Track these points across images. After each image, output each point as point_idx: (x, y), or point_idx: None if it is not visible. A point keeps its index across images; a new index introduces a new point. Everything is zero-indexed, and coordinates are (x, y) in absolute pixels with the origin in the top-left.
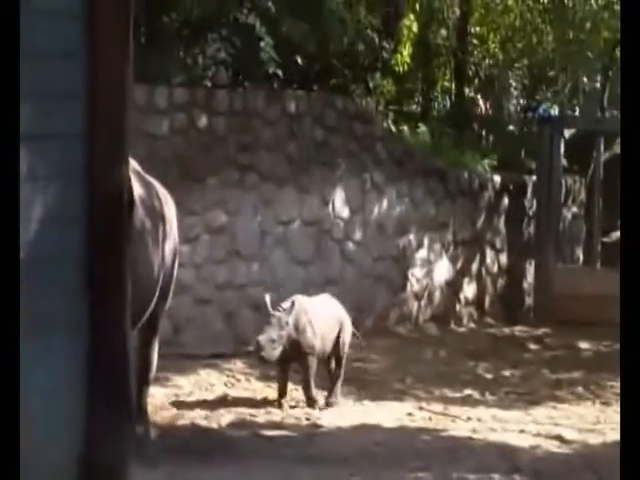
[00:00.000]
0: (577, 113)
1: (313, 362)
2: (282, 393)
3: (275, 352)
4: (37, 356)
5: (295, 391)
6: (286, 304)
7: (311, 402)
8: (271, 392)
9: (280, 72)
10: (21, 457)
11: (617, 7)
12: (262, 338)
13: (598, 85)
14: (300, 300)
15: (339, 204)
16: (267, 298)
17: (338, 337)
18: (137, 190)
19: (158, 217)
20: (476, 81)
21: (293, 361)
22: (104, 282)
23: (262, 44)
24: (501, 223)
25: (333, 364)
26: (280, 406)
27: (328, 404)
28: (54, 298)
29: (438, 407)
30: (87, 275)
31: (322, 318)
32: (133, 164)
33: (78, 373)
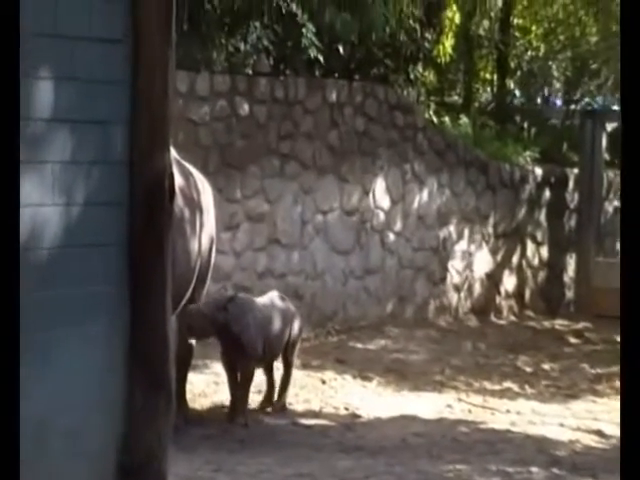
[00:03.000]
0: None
1: (253, 365)
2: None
3: (202, 328)
4: (78, 341)
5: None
6: (229, 293)
7: (242, 410)
8: (310, 381)
9: (321, 58)
10: (60, 444)
11: None
12: (193, 307)
13: None
14: (244, 298)
15: (380, 194)
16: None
17: (287, 340)
18: (176, 178)
19: (196, 206)
20: (518, 73)
21: (236, 363)
22: (146, 268)
23: (304, 31)
24: (542, 216)
25: (281, 368)
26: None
27: (275, 409)
28: (96, 284)
29: (477, 399)
30: (129, 261)
31: (268, 319)
32: (172, 152)
33: (118, 359)
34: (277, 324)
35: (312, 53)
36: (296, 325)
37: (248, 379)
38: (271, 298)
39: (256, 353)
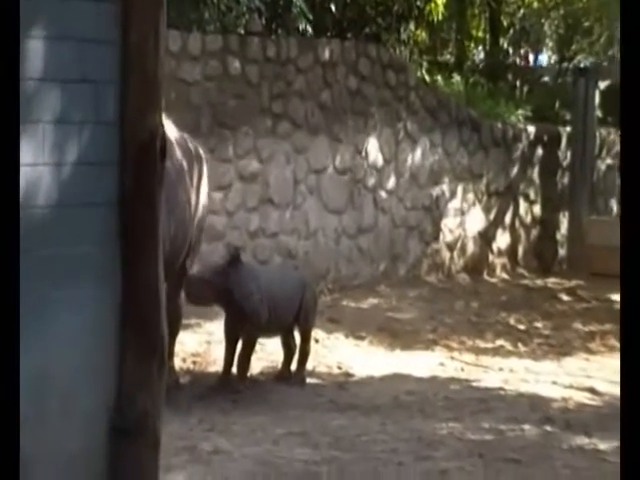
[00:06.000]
0: (613, 64)
1: (256, 335)
2: (228, 369)
3: (201, 295)
4: (68, 302)
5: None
6: (229, 255)
7: (242, 377)
8: None
9: (310, 29)
10: (52, 406)
11: None
12: (192, 272)
13: None
14: (250, 266)
15: (372, 153)
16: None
17: (299, 309)
18: (179, 150)
19: (195, 161)
20: (510, 31)
21: (239, 333)
22: (136, 229)
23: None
24: (535, 174)
25: (297, 339)
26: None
27: (295, 382)
28: (86, 244)
29: (470, 357)
30: (119, 221)
31: (275, 288)
32: (180, 133)
33: (110, 320)
34: (284, 293)
35: (301, 25)
36: (308, 295)
37: (250, 347)
38: (281, 266)
39: (260, 322)
